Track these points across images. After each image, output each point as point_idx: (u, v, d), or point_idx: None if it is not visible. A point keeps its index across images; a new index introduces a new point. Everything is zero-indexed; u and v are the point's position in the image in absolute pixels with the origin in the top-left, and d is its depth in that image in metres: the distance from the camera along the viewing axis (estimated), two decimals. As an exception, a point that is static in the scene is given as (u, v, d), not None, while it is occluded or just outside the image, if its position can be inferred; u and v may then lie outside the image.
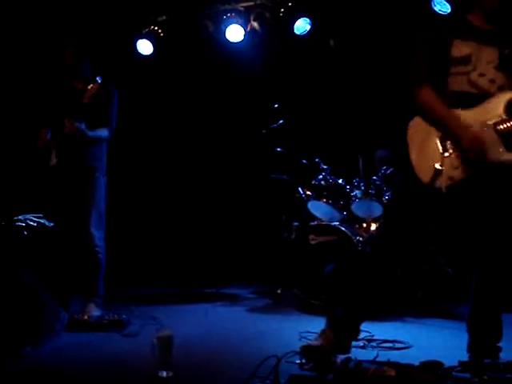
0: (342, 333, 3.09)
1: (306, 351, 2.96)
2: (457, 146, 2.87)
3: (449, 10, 5.37)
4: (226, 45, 6.26)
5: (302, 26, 6.02)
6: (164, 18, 6.47)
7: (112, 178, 4.64)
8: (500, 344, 3.05)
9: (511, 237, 2.95)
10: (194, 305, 5.07)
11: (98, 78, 4.34)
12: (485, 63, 2.89)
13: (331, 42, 6.27)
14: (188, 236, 6.69)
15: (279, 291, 5.16)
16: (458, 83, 2.92)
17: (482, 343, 3.04)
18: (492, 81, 2.89)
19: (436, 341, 3.88)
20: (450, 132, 2.89)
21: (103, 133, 4.48)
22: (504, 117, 2.85)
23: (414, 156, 2.97)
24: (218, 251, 6.56)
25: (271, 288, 5.46)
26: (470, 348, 3.09)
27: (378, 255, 3.11)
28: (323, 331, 3.12)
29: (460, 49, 2.91)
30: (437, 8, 5.49)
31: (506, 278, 3.00)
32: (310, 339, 3.35)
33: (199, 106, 6.85)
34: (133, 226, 6.57)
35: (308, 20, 5.99)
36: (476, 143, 2.82)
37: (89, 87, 4.33)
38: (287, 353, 2.99)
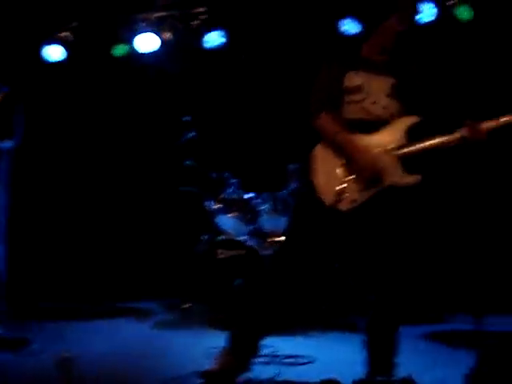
0: (240, 352, 3.10)
1: (205, 377, 2.96)
2: (353, 166, 2.96)
3: (358, 31, 5.56)
4: (138, 54, 6.21)
5: (214, 38, 6.05)
6: (76, 24, 6.35)
7: (17, 189, 4.47)
8: (396, 360, 3.14)
9: (408, 257, 3.06)
10: (101, 320, 4.96)
11: (4, 89, 4.19)
12: (377, 91, 3.01)
13: (243, 56, 6.31)
14: (96, 249, 6.54)
15: (187, 306, 5.12)
16: (352, 111, 3.02)
17: (379, 359, 3.12)
18: (385, 108, 3.01)
19: (339, 355, 3.94)
20: (345, 153, 2.98)
21: (6, 144, 4.31)
22: (403, 142, 2.97)
23: (317, 178, 3.03)
24: (125, 264, 6.45)
25: (179, 302, 5.41)
26: (368, 364, 3.16)
27: (276, 275, 3.13)
28: (222, 353, 3.12)
29: (351, 80, 3.02)
30: (345, 28, 5.67)
31: (403, 296, 3.10)
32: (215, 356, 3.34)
33: (109, 116, 6.72)
34: (38, 239, 6.35)
35: (220, 33, 6.03)
36: (370, 161, 2.93)
37: None
38: (186, 374, 2.98)
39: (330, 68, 3.10)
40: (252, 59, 6.30)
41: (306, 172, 3.10)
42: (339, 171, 3.00)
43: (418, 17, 5.42)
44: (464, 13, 5.38)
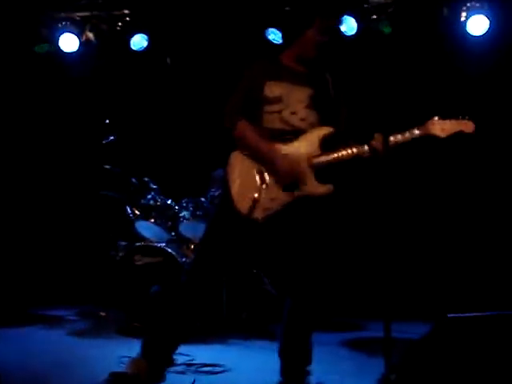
0: (154, 361, 3.04)
1: (115, 379, 2.89)
2: (272, 172, 2.98)
3: (281, 40, 5.63)
4: (60, 54, 6.05)
5: (138, 41, 5.98)
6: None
7: None
8: (309, 367, 3.17)
9: (320, 265, 3.10)
10: (12, 328, 4.76)
11: None
12: (296, 102, 3.04)
13: (168, 60, 6.26)
14: (6, 252, 6.30)
15: (103, 313, 4.99)
16: (271, 121, 3.05)
17: (292, 367, 3.14)
18: (303, 119, 3.04)
19: (256, 363, 3.93)
20: (264, 159, 3.00)
21: None
22: (318, 152, 3.00)
23: (233, 187, 3.04)
24: (40, 269, 6.24)
25: (95, 309, 5.27)
26: (282, 372, 3.17)
27: (192, 284, 3.10)
28: (136, 358, 3.06)
29: (271, 89, 3.04)
30: (270, 37, 5.73)
31: (316, 305, 3.12)
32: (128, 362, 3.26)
33: (25, 117, 6.51)
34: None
35: (145, 36, 5.96)
36: (288, 166, 2.96)
37: None
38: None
39: (251, 75, 3.11)
40: (177, 63, 6.26)
41: (224, 179, 3.09)
42: (254, 179, 3.01)
43: (340, 29, 5.54)
44: (385, 27, 5.54)
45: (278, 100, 3.02)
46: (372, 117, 2.88)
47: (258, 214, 2.94)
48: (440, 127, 2.93)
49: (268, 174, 3.01)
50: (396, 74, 5.62)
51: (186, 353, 3.84)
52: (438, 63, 5.78)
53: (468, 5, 5.36)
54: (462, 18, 5.41)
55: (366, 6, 5.60)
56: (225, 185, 3.09)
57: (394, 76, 5.59)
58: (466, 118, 2.95)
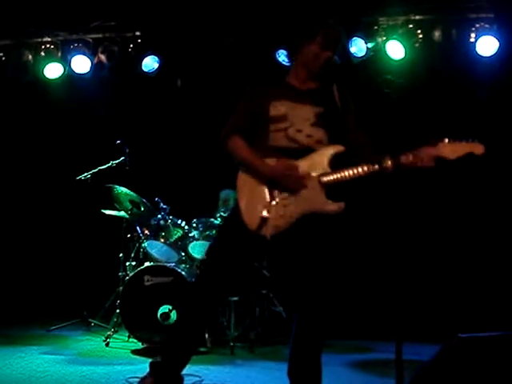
0: (162, 379, 3.02)
1: None
2: (271, 184, 2.96)
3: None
4: (74, 76, 6.14)
5: (149, 63, 6.06)
6: (8, 42, 6.25)
7: None
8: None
9: (329, 283, 3.07)
10: (20, 347, 4.75)
11: None
12: (301, 120, 3.03)
13: (178, 82, 6.32)
14: (18, 271, 6.34)
15: (111, 332, 4.97)
16: (277, 139, 3.03)
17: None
18: (309, 136, 3.03)
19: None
20: (258, 172, 2.99)
21: None
22: (328, 170, 2.98)
23: (243, 203, 3.03)
24: (50, 289, 6.26)
25: (104, 329, 5.26)
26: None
27: (198, 297, 3.09)
28: (144, 379, 3.05)
29: (276, 108, 3.03)
30: (281, 59, 5.77)
31: (324, 322, 3.09)
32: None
33: (37, 139, 6.60)
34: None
35: (156, 58, 6.03)
36: (282, 169, 2.94)
37: None
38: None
39: (254, 98, 3.10)
40: (187, 84, 6.31)
41: (235, 198, 3.09)
42: (263, 196, 3.00)
43: (351, 51, 5.59)
44: (394, 49, 5.56)
45: (283, 118, 3.01)
46: (382, 136, 2.84)
47: (267, 232, 2.92)
48: (450, 149, 2.89)
49: (277, 190, 2.99)
50: (406, 94, 5.64)
51: (196, 373, 3.84)
52: (448, 84, 5.80)
53: (477, 26, 5.41)
54: (471, 39, 5.46)
55: (375, 27, 5.64)
56: (235, 201, 3.08)
57: (404, 96, 5.61)
58: (476, 140, 2.91)
